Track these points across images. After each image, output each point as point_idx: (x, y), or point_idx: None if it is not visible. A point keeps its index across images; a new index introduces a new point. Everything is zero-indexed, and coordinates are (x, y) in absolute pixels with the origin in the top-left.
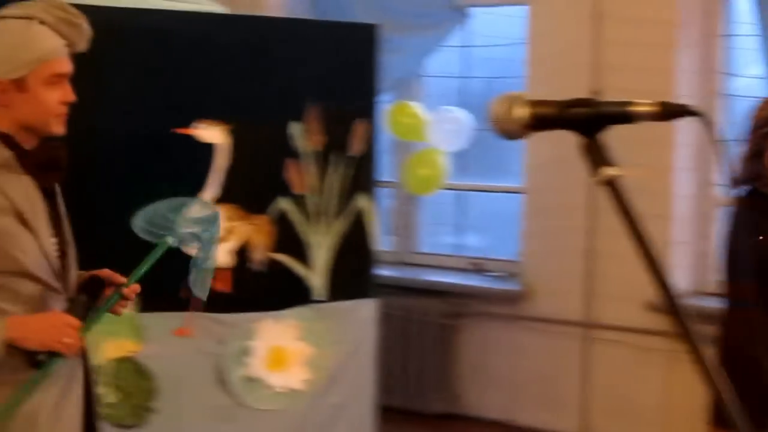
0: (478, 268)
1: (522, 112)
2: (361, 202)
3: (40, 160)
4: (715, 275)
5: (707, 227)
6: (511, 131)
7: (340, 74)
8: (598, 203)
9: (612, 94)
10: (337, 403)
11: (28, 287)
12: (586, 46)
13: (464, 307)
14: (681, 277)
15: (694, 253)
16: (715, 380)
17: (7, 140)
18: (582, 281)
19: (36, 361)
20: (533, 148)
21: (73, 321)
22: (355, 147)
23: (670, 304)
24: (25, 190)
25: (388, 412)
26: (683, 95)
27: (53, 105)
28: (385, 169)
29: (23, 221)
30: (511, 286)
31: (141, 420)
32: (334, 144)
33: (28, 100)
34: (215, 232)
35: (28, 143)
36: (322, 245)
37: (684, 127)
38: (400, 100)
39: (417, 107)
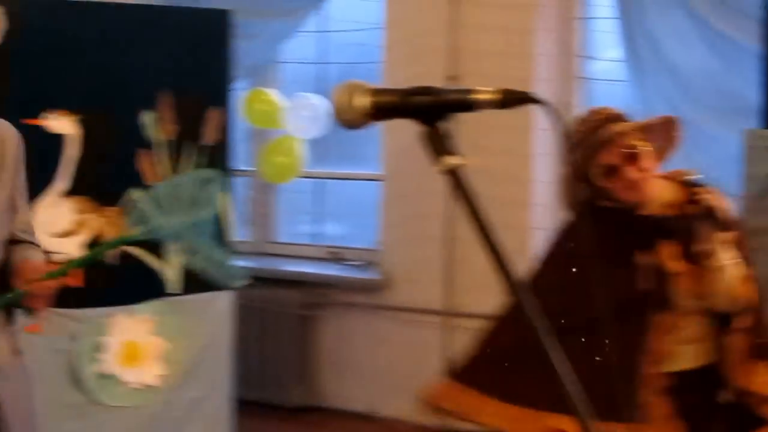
0: (336, 257)
1: (363, 101)
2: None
3: None
4: None
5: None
6: (352, 121)
7: (192, 61)
8: None
9: (470, 79)
10: (193, 398)
11: None
12: (443, 30)
13: (323, 298)
14: None
15: None
16: (558, 367)
17: None
18: (442, 269)
19: None
20: (391, 135)
21: None
22: (209, 135)
23: (513, 292)
24: None
25: (246, 406)
26: (541, 79)
27: None
28: (241, 157)
29: None
30: (370, 275)
31: None
32: (187, 133)
33: None
34: None
35: None
36: None
37: (540, 111)
38: (255, 87)
39: (273, 94)
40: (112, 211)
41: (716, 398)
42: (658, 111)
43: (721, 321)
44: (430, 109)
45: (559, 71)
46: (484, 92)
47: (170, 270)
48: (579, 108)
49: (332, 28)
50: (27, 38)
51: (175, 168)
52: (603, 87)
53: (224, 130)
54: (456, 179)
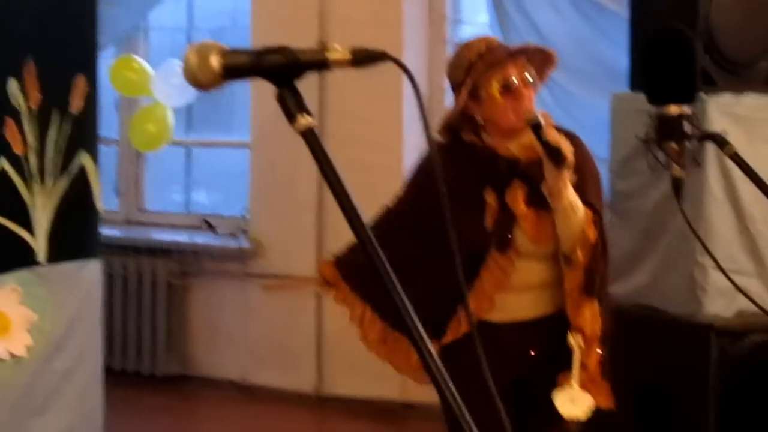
0: (207, 225)
1: (215, 62)
2: (84, 160)
3: None
4: None
5: None
6: (204, 82)
7: (57, 28)
8: None
9: (340, 45)
10: (63, 369)
11: None
12: None
13: (193, 266)
14: None
15: None
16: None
17: None
18: (314, 236)
19: None
20: (260, 102)
21: None
22: (75, 104)
23: (370, 257)
24: None
25: (118, 376)
26: (410, 44)
27: None
28: (109, 125)
29: None
30: (240, 243)
31: None
32: (53, 101)
33: None
34: None
35: None
36: (43, 207)
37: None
38: (123, 55)
39: (141, 62)
40: None
41: (562, 345)
42: None
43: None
44: (283, 70)
45: (428, 36)
46: (337, 51)
47: (37, 240)
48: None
49: None
50: None
51: (41, 137)
52: None
53: (91, 98)
54: (311, 139)
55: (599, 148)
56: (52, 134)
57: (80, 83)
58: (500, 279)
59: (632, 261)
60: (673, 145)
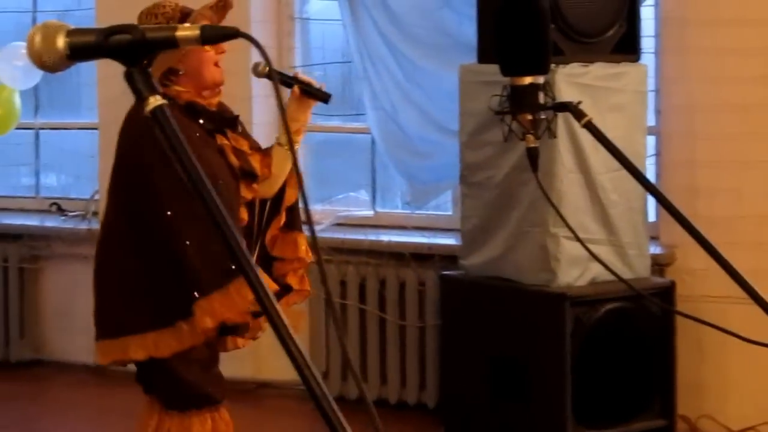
0: (57, 209)
1: (60, 43)
2: None
3: None
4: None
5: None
6: (50, 63)
7: None
8: None
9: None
10: None
11: None
12: None
13: (44, 250)
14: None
15: None
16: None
17: None
18: None
19: None
20: (106, 82)
21: None
22: None
23: (222, 235)
24: None
25: None
26: (257, 20)
27: None
28: None
29: None
30: (92, 225)
31: None
32: None
33: None
34: None
35: None
36: None
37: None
38: None
39: None
40: None
41: None
42: (375, 50)
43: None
44: (131, 49)
45: (274, 12)
46: (185, 29)
47: None
48: (296, 49)
49: None
50: None
51: None
52: (319, 27)
53: None
54: (160, 119)
55: (449, 121)
56: None
57: None
58: (245, 207)
59: (484, 233)
60: (528, 116)
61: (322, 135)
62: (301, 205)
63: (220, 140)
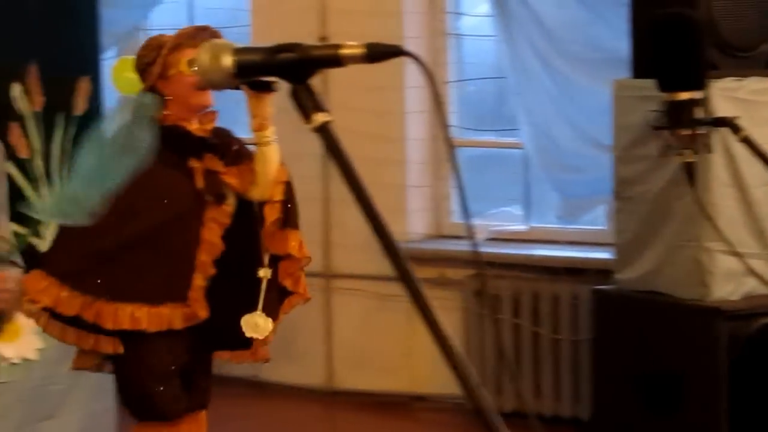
0: None
1: (227, 61)
2: None
3: None
4: (452, 217)
5: (443, 169)
6: (217, 81)
7: (59, 31)
8: None
9: (339, 38)
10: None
11: None
12: None
13: None
14: (418, 220)
15: (431, 196)
16: (430, 319)
17: None
18: (320, 230)
19: None
20: None
21: None
22: (79, 106)
23: (387, 250)
24: None
25: None
26: (410, 37)
27: None
28: None
29: None
30: None
31: None
32: (57, 104)
33: None
34: None
35: None
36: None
37: (413, 69)
38: (124, 55)
39: None
40: None
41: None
42: (528, 65)
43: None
44: (297, 66)
45: (428, 28)
46: (351, 47)
47: (43, 243)
48: (449, 65)
49: None
50: None
51: (46, 140)
52: (472, 43)
53: (95, 99)
54: (327, 136)
55: (602, 135)
56: (57, 137)
57: (84, 85)
58: (220, 229)
59: (637, 247)
60: (685, 130)
61: (475, 150)
62: (462, 220)
63: (192, 163)
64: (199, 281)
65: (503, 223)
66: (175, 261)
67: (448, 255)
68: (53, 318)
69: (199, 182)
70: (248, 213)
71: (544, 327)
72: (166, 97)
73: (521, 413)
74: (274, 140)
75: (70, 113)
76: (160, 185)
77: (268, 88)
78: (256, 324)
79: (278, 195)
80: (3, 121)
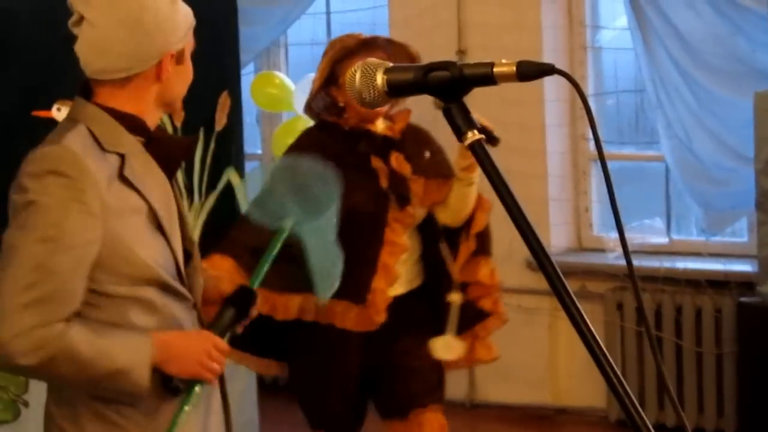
0: None
1: (380, 80)
2: (230, 176)
3: (170, 147)
4: (593, 230)
5: (582, 183)
6: (369, 100)
7: (200, 46)
8: None
9: (477, 52)
10: None
11: (161, 297)
12: (449, 4)
13: None
14: (560, 234)
15: (572, 209)
16: (588, 335)
17: (135, 123)
18: None
19: (171, 387)
20: None
21: (223, 345)
22: (220, 121)
23: (542, 263)
24: (160, 184)
25: (271, 387)
26: (549, 50)
27: (191, 78)
28: (252, 141)
29: (157, 222)
30: None
31: (14, 415)
32: (199, 119)
33: (182, 73)
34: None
35: (153, 126)
36: (192, 224)
37: (552, 82)
38: (263, 71)
39: (282, 76)
40: None
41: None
42: (668, 78)
43: (429, 237)
44: (449, 85)
45: (566, 42)
46: (502, 65)
47: None
48: (589, 78)
49: (337, 9)
50: (27, 27)
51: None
52: (612, 55)
53: (235, 114)
54: (480, 153)
55: (744, 147)
56: (198, 152)
57: (224, 101)
58: (405, 231)
59: None
60: None
61: (617, 163)
62: (604, 233)
63: (375, 163)
64: (380, 284)
65: (645, 235)
66: (356, 261)
67: (589, 268)
68: None
69: (383, 181)
70: (433, 231)
71: (687, 340)
72: (340, 105)
73: (662, 426)
74: (477, 181)
75: (211, 128)
76: (343, 181)
77: (493, 140)
78: (448, 346)
79: (477, 227)
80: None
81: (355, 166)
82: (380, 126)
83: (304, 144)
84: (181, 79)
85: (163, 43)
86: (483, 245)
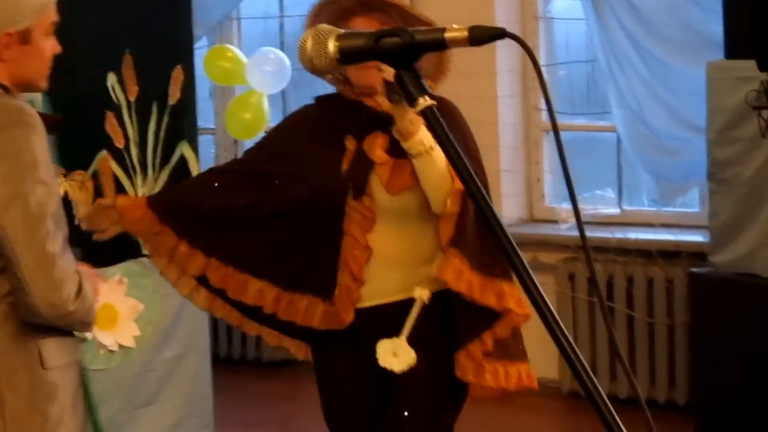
0: None
1: (331, 47)
2: (184, 150)
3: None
4: (545, 201)
5: (534, 153)
6: (321, 66)
7: (154, 20)
8: None
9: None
10: (172, 357)
11: None
12: None
13: None
14: (512, 205)
15: (523, 181)
16: (543, 306)
17: None
18: None
19: None
20: None
21: None
22: (174, 95)
23: (494, 230)
24: None
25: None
26: (502, 20)
27: (49, 58)
28: (205, 115)
29: None
30: None
31: None
32: (152, 93)
33: (31, 52)
34: None
35: None
36: None
37: (504, 53)
38: (217, 44)
39: (235, 50)
40: (80, 174)
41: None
42: (620, 48)
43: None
44: (400, 51)
45: (518, 11)
46: (454, 30)
47: None
48: (541, 49)
49: None
50: None
51: (141, 129)
52: (563, 26)
53: (188, 88)
54: (432, 119)
55: (696, 118)
56: (152, 126)
57: (178, 74)
58: (363, 224)
59: (733, 229)
60: None
61: (569, 134)
62: (556, 204)
63: (348, 142)
64: (345, 280)
65: (597, 206)
66: (316, 249)
67: (541, 239)
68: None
69: (344, 165)
70: None
71: (639, 311)
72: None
73: (615, 397)
74: (426, 151)
75: (164, 102)
76: (307, 160)
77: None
78: (395, 352)
79: (452, 206)
80: (99, 111)
81: (327, 141)
82: (379, 101)
83: (294, 115)
84: (33, 59)
85: None
86: (457, 235)
